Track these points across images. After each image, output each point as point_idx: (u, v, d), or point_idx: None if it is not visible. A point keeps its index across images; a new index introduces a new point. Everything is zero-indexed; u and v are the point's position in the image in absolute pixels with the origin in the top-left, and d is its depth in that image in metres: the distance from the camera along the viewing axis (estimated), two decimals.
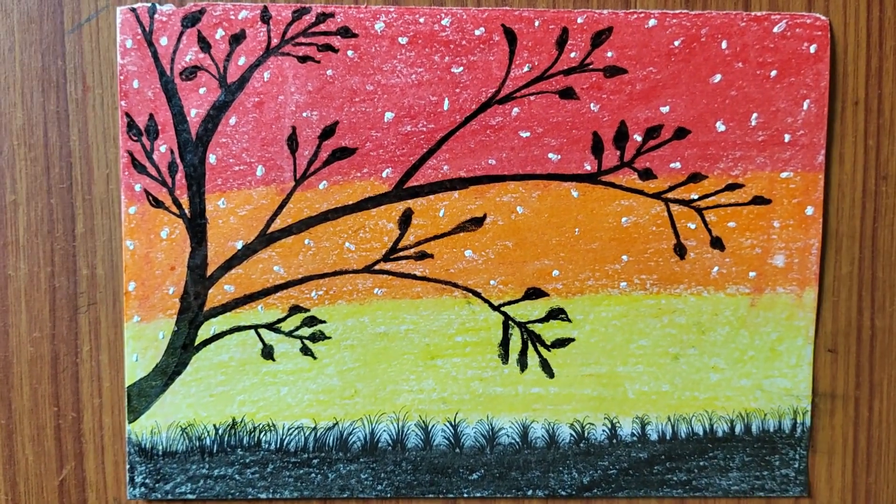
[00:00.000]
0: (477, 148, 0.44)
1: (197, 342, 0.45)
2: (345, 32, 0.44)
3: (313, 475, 0.46)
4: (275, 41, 0.44)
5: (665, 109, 0.44)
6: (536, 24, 0.44)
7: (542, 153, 0.44)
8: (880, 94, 0.45)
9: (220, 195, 0.44)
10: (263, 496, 0.46)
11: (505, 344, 0.45)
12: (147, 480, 0.45)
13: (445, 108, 0.44)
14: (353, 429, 0.46)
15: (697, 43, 0.44)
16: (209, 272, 0.45)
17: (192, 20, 0.43)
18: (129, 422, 0.45)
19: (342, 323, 0.45)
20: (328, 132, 0.44)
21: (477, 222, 0.45)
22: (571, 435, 0.46)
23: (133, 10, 0.43)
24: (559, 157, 0.44)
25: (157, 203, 0.44)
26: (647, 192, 0.45)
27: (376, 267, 0.45)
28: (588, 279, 0.45)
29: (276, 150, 0.44)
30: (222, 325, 0.45)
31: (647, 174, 0.45)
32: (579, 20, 0.44)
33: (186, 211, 0.44)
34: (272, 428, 0.46)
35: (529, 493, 0.46)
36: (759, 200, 0.45)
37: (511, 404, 0.46)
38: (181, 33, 0.44)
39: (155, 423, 0.45)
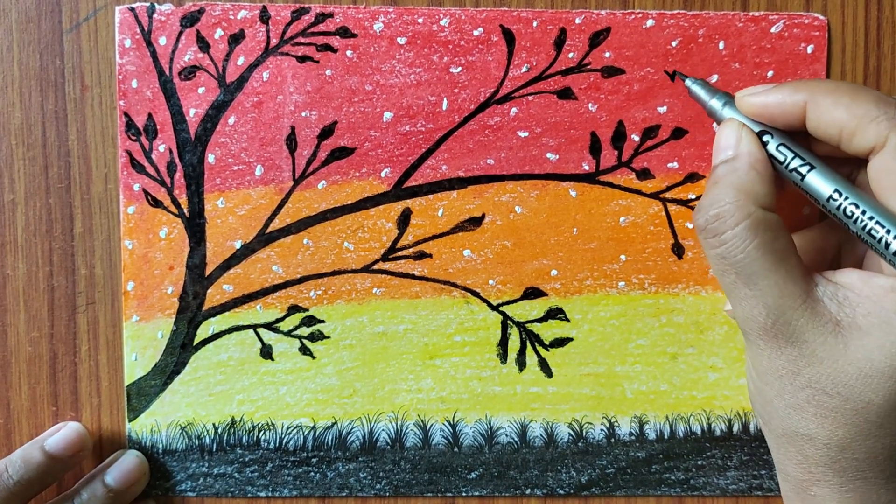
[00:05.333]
0: (475, 148, 0.44)
1: (196, 342, 0.45)
2: (344, 32, 0.44)
3: (312, 474, 0.46)
4: (274, 41, 0.44)
5: (662, 109, 0.44)
6: (535, 24, 0.44)
7: (540, 153, 0.44)
8: None
9: (219, 195, 0.44)
10: (263, 494, 0.46)
11: (503, 343, 0.46)
12: None
13: (444, 108, 0.44)
14: (352, 428, 0.46)
15: (695, 43, 0.44)
16: (208, 272, 0.45)
17: (190, 20, 0.43)
18: (129, 420, 0.45)
19: (341, 322, 0.45)
20: (327, 132, 0.44)
21: (475, 222, 0.45)
22: (570, 434, 0.46)
23: (132, 9, 0.43)
24: (557, 156, 0.45)
25: (156, 203, 0.44)
26: (644, 191, 0.45)
27: (375, 267, 0.45)
28: (586, 279, 0.45)
29: (274, 149, 0.44)
30: (221, 325, 0.45)
31: (644, 174, 0.45)
32: (577, 21, 0.44)
33: (185, 210, 0.45)
34: (271, 427, 0.46)
35: (528, 491, 0.46)
36: None
37: (509, 404, 0.46)
38: (180, 33, 0.44)
39: (154, 422, 0.45)
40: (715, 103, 0.39)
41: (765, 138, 0.37)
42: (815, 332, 0.34)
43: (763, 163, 0.36)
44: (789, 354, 0.35)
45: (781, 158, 0.36)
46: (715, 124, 0.42)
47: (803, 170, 0.36)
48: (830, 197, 0.35)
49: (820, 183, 0.36)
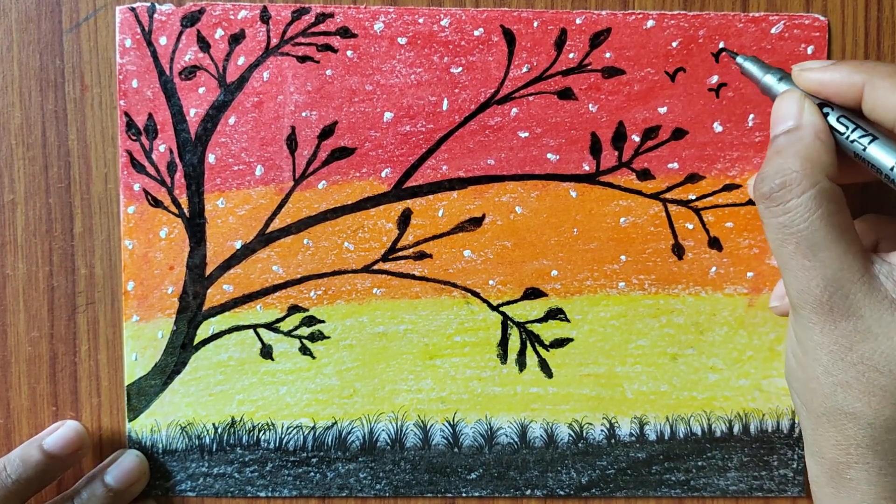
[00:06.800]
0: (476, 148, 0.44)
1: (196, 341, 0.45)
2: (344, 32, 0.44)
3: (312, 474, 0.46)
4: (274, 41, 0.44)
5: (663, 110, 0.44)
6: (535, 24, 0.44)
7: (540, 153, 0.44)
8: None
9: (219, 195, 0.44)
10: (262, 494, 0.46)
11: (504, 344, 0.46)
12: None
13: (444, 108, 0.44)
14: (352, 428, 0.46)
15: (695, 44, 0.44)
16: (208, 272, 0.45)
17: (191, 20, 0.43)
18: (129, 420, 0.45)
19: (341, 322, 0.45)
20: (327, 132, 0.44)
21: (476, 222, 0.45)
22: (570, 435, 0.46)
23: (132, 9, 0.43)
24: (558, 157, 0.45)
25: (156, 202, 0.44)
26: (645, 192, 0.45)
27: (375, 267, 0.45)
28: (586, 279, 0.45)
29: (275, 149, 0.44)
30: (221, 325, 0.45)
31: (645, 174, 0.45)
32: (578, 21, 0.44)
33: (185, 210, 0.45)
34: (271, 427, 0.46)
35: (528, 492, 0.46)
36: None
37: (509, 404, 0.46)
38: (180, 33, 0.44)
39: (154, 422, 0.45)
40: (770, 79, 0.39)
41: (825, 110, 0.37)
42: (872, 308, 0.34)
43: (826, 133, 0.36)
44: (843, 329, 0.34)
45: (842, 130, 0.36)
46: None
47: (865, 140, 0.36)
48: (894, 167, 0.35)
49: (882, 154, 0.35)
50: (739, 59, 0.40)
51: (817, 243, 0.34)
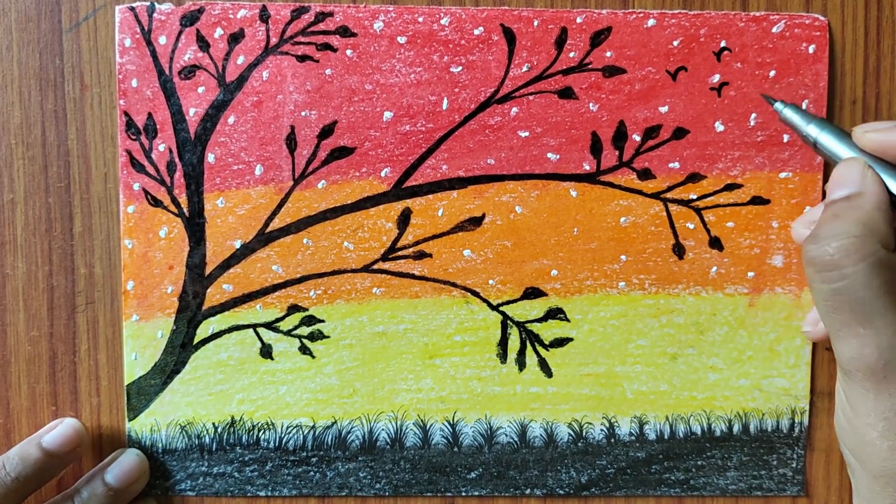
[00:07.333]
0: (476, 147, 0.44)
1: (196, 341, 0.45)
2: (343, 32, 0.44)
3: (312, 473, 0.46)
4: (273, 40, 0.44)
5: (664, 109, 0.44)
6: (535, 23, 0.44)
7: (540, 153, 0.44)
8: (878, 93, 0.45)
9: (219, 194, 0.44)
10: (262, 494, 0.46)
11: (503, 343, 0.46)
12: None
13: (444, 107, 0.44)
14: (352, 427, 0.46)
15: (696, 43, 0.44)
16: (208, 271, 0.45)
17: (190, 19, 0.43)
18: (129, 420, 0.45)
19: (340, 322, 0.45)
20: (327, 131, 0.44)
21: (476, 222, 0.45)
22: (569, 434, 0.46)
23: (132, 8, 0.43)
24: (558, 156, 0.44)
25: (156, 202, 0.44)
26: (645, 191, 0.45)
27: (375, 266, 0.45)
28: (587, 279, 0.45)
29: (274, 149, 0.44)
30: (221, 324, 0.45)
31: (645, 174, 0.45)
32: (578, 20, 0.44)
33: (185, 210, 0.44)
34: (271, 426, 0.46)
35: (527, 491, 0.46)
36: (757, 200, 0.45)
37: (509, 404, 0.46)
38: (180, 32, 0.43)
39: (154, 422, 0.45)
40: (813, 129, 0.39)
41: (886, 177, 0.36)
42: None
43: (887, 204, 0.36)
44: None
45: None
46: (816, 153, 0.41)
47: None
48: None
49: None
50: (778, 106, 0.40)
51: (874, 311, 0.34)
